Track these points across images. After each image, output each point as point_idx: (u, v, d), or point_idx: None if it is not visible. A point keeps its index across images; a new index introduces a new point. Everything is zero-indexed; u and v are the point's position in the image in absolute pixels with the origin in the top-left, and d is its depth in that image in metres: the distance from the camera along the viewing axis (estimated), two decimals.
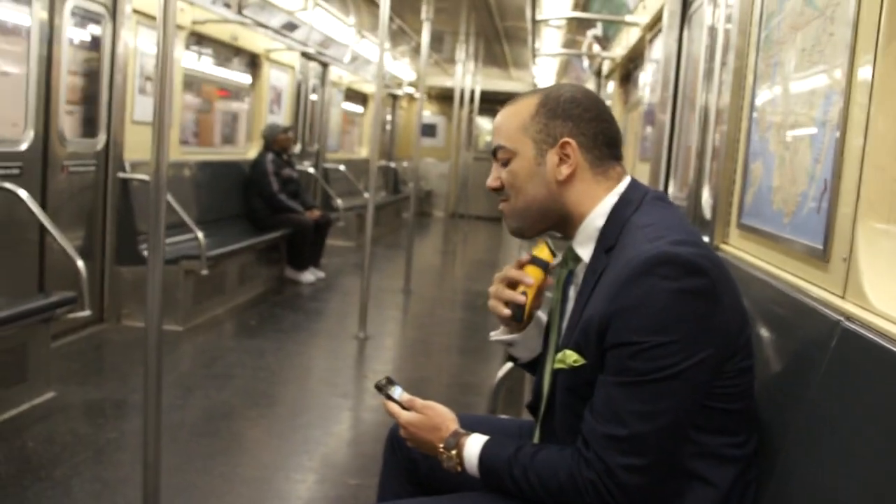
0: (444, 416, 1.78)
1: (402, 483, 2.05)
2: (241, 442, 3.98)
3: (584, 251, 1.68)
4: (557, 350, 1.67)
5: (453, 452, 1.71)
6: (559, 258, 1.79)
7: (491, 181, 1.76)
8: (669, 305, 1.45)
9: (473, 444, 1.70)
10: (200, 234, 5.85)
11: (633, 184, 1.71)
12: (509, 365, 2.79)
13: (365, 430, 4.28)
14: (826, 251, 1.76)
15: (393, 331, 6.93)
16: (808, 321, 1.67)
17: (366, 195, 6.45)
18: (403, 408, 1.81)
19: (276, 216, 7.83)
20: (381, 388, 1.86)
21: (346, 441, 4.18)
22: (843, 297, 1.66)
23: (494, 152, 1.76)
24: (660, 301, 1.45)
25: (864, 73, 1.66)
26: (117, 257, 5.80)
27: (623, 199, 1.67)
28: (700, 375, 1.48)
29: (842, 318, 1.55)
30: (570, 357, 1.60)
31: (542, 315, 1.95)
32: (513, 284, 1.82)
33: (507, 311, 1.81)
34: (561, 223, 1.72)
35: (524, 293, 1.80)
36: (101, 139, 5.70)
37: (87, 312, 4.39)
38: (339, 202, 9.84)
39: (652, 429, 1.47)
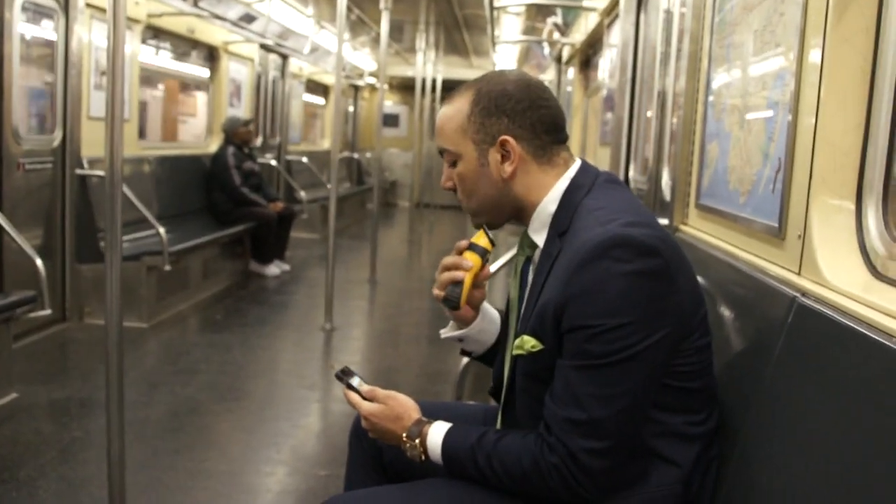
0: (406, 406, 1.78)
1: (367, 471, 2.05)
2: (208, 437, 3.96)
3: (539, 237, 1.69)
4: (516, 336, 1.67)
5: (416, 442, 1.71)
6: (512, 248, 1.81)
7: (444, 181, 1.77)
8: (623, 288, 1.46)
9: (436, 433, 1.70)
10: (162, 230, 5.79)
11: (584, 167, 1.71)
12: None
13: (333, 421, 4.26)
14: (781, 229, 1.78)
15: (359, 321, 6.91)
16: (766, 299, 1.69)
17: (329, 187, 6.41)
18: (364, 398, 1.80)
19: (238, 210, 7.77)
20: (341, 379, 1.86)
21: (315, 433, 4.17)
22: (798, 274, 1.68)
23: (441, 154, 1.76)
24: (614, 284, 1.46)
25: (814, 51, 1.68)
26: (77, 255, 5.73)
27: (574, 183, 1.67)
28: (657, 356, 1.49)
29: (798, 295, 1.56)
30: (528, 343, 1.60)
31: (490, 307, 1.96)
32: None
33: (442, 293, 1.80)
34: (516, 214, 1.73)
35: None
36: (58, 136, 5.61)
37: (47, 311, 4.34)
38: (302, 194, 9.79)
39: (611, 412, 1.47)
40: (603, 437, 1.48)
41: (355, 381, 1.84)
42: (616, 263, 1.46)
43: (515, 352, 1.66)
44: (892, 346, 1.23)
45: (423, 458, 1.72)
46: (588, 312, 1.47)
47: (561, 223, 1.63)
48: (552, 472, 1.51)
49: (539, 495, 1.57)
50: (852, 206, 1.61)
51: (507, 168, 1.67)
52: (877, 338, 1.27)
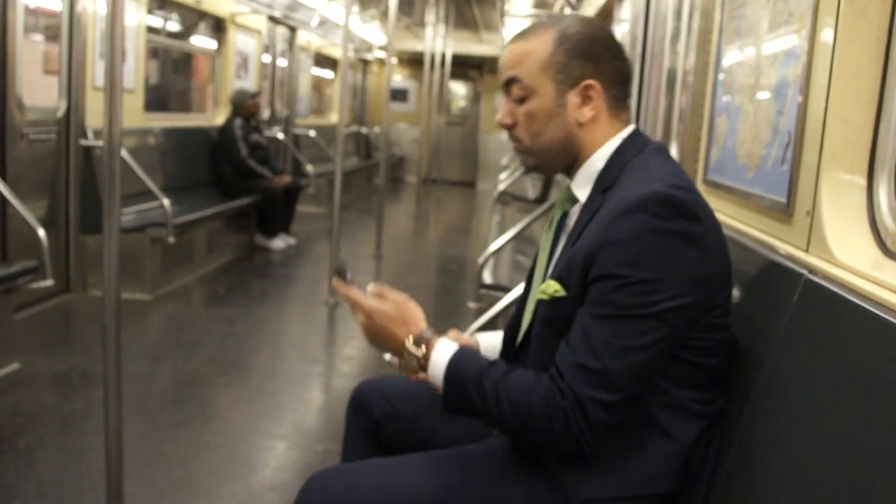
0: (417, 313, 1.70)
1: (365, 446, 2.02)
2: (208, 410, 3.94)
3: (582, 192, 1.66)
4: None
5: (421, 349, 1.64)
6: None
7: (502, 117, 1.70)
8: (658, 244, 1.44)
9: (445, 348, 1.63)
10: (167, 202, 5.76)
11: (637, 132, 1.69)
12: (477, 325, 2.75)
13: (335, 396, 4.25)
14: (790, 205, 1.74)
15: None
16: (773, 276, 1.65)
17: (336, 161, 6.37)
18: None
19: (245, 182, 7.74)
20: (341, 273, 1.75)
21: (316, 407, 4.15)
22: (806, 251, 1.64)
23: (507, 86, 1.68)
24: (649, 238, 1.44)
25: (827, 23, 1.62)
26: (81, 226, 5.71)
27: (625, 143, 1.65)
28: (678, 320, 1.46)
29: (805, 272, 1.53)
30: (552, 287, 1.58)
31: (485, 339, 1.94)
32: None
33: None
34: (571, 164, 1.69)
35: None
36: (62, 106, 5.57)
37: (49, 282, 4.31)
38: (309, 168, 9.75)
39: (624, 365, 1.45)
40: (612, 389, 1.45)
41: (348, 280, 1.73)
42: (655, 219, 1.44)
43: (538, 296, 1.64)
44: None
45: (420, 373, 1.65)
46: (619, 261, 1.45)
47: (606, 180, 1.61)
48: (559, 415, 1.47)
49: (532, 436, 1.53)
50: (863, 183, 1.56)
51: (587, 112, 1.64)
52: (886, 316, 1.23)
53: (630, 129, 1.68)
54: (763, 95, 1.96)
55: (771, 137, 1.88)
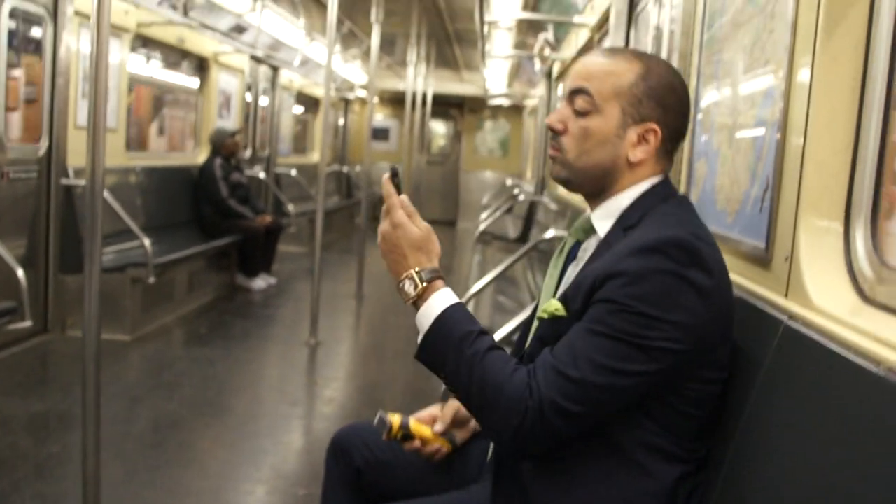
0: (436, 251, 1.67)
1: (345, 492, 2.00)
2: (188, 453, 3.90)
3: (602, 225, 1.66)
4: None
5: (422, 285, 1.61)
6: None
7: (555, 121, 1.66)
8: (667, 285, 1.45)
9: (446, 295, 1.61)
10: (147, 241, 5.74)
11: (667, 180, 1.69)
12: None
13: (315, 439, 4.21)
14: (769, 250, 1.76)
15: (345, 336, 6.87)
16: (753, 322, 1.66)
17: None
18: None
19: (225, 222, 7.72)
20: (395, 175, 1.71)
21: (296, 450, 4.12)
22: (786, 297, 1.66)
23: (573, 95, 1.65)
24: (660, 278, 1.45)
25: (803, 70, 1.65)
26: (61, 266, 5.66)
27: (654, 188, 1.65)
28: (663, 361, 1.45)
29: (785, 318, 1.54)
30: (553, 306, 1.58)
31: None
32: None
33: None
34: (600, 192, 1.68)
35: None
36: (44, 144, 5.56)
37: (27, 323, 4.28)
38: (290, 207, 9.74)
39: (600, 382, 1.45)
40: (579, 401, 1.45)
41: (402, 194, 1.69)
42: (670, 262, 1.45)
43: (539, 315, 1.64)
44: (878, 372, 1.20)
45: (413, 304, 1.62)
46: (624, 292, 1.45)
47: (630, 219, 1.61)
48: (520, 411, 1.46)
49: (486, 418, 1.53)
50: (840, 229, 1.58)
51: (638, 152, 1.62)
52: (864, 364, 1.24)
53: (661, 176, 1.68)
54: (741, 140, 1.99)
55: (749, 183, 1.90)
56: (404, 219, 1.66)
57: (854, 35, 1.55)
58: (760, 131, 1.87)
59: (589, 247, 1.69)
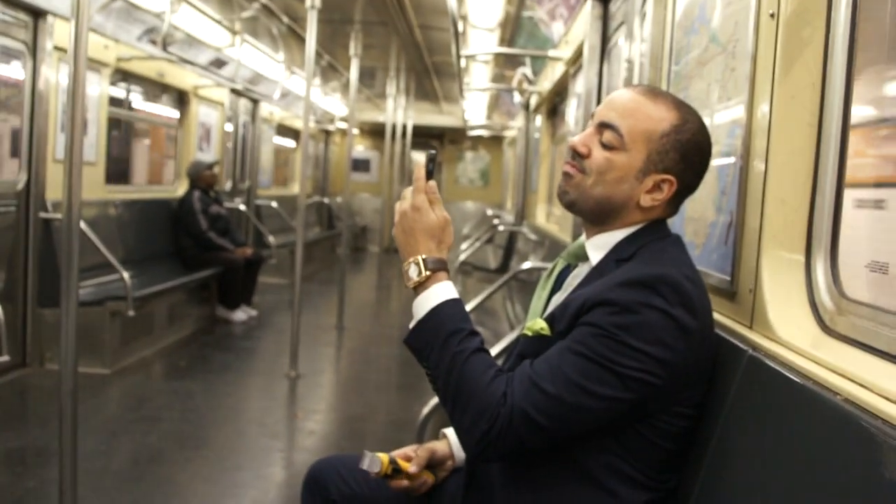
0: (448, 241, 1.71)
1: None
2: (167, 487, 3.88)
3: (595, 255, 1.69)
4: None
5: (427, 273, 1.65)
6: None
7: (581, 145, 1.66)
8: (652, 320, 1.47)
9: (448, 287, 1.65)
10: (126, 275, 5.73)
11: (664, 220, 1.71)
12: (435, 399, 2.77)
13: (296, 472, 4.20)
14: (734, 283, 1.80)
15: (325, 368, 6.85)
16: (720, 353, 1.70)
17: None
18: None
19: (205, 254, 7.72)
20: (431, 161, 1.72)
21: (277, 483, 4.10)
22: (750, 328, 1.69)
23: (603, 126, 1.65)
24: (646, 312, 1.48)
25: (763, 107, 1.70)
26: (39, 299, 5.65)
27: (651, 226, 1.68)
28: (637, 392, 1.48)
29: (749, 349, 1.57)
30: (538, 325, 1.62)
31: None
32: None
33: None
34: (602, 223, 1.70)
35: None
36: (22, 178, 5.56)
37: (5, 357, 4.27)
38: (270, 239, 9.76)
39: (571, 401, 1.48)
40: (548, 415, 1.48)
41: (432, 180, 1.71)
42: (659, 298, 1.48)
43: (523, 332, 1.67)
44: (838, 402, 1.24)
45: (414, 289, 1.66)
46: (610, 320, 1.48)
47: (624, 251, 1.64)
48: (491, 416, 1.49)
49: (457, 416, 1.55)
50: (802, 262, 1.63)
51: (648, 199, 1.64)
52: (823, 394, 1.28)
53: (662, 218, 1.71)
54: (707, 174, 2.03)
55: (715, 215, 1.95)
56: (425, 203, 1.69)
57: (810, 73, 1.60)
58: (725, 166, 1.91)
59: (579, 273, 1.73)
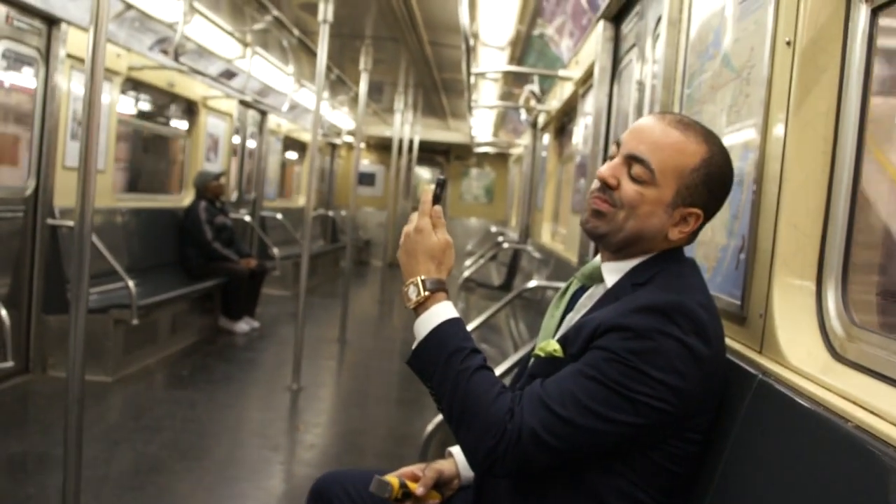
0: (450, 262, 1.73)
1: None
2: (168, 497, 3.87)
3: (611, 277, 1.70)
4: None
5: (425, 294, 1.66)
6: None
7: (609, 175, 1.65)
8: (665, 348, 1.48)
9: (448, 307, 1.67)
10: (131, 283, 5.74)
11: (681, 246, 1.71)
12: (440, 417, 2.78)
13: (297, 485, 4.20)
14: (744, 307, 1.80)
15: (327, 381, 6.85)
16: (730, 377, 1.70)
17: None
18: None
19: (210, 265, 7.74)
20: (440, 186, 1.75)
21: (277, 496, 4.10)
22: (760, 353, 1.70)
23: (632, 160, 1.64)
24: (660, 340, 1.48)
25: (777, 134, 1.71)
26: (44, 306, 5.66)
27: (667, 252, 1.68)
28: (648, 418, 1.49)
29: (759, 374, 1.58)
30: (551, 346, 1.63)
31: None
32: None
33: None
34: (624, 252, 1.69)
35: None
36: (31, 184, 5.58)
37: (9, 363, 4.27)
38: (275, 251, 9.77)
39: (581, 424, 1.48)
40: (557, 436, 1.49)
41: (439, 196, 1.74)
42: (673, 326, 1.49)
43: (535, 353, 1.68)
44: (848, 429, 1.24)
45: (414, 310, 1.67)
46: (624, 345, 1.49)
47: (640, 276, 1.65)
48: (498, 433, 1.50)
49: (463, 434, 1.56)
50: (813, 288, 1.63)
51: (677, 232, 1.65)
52: (833, 420, 1.28)
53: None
54: None
55: (726, 240, 1.95)
56: (428, 226, 1.71)
57: (825, 101, 1.61)
58: (737, 191, 1.92)
59: (594, 294, 1.74)
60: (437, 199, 1.74)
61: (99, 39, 2.46)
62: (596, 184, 1.68)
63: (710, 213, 1.67)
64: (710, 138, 1.66)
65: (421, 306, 1.67)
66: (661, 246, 1.67)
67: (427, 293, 1.66)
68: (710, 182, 1.63)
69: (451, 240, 1.73)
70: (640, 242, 1.66)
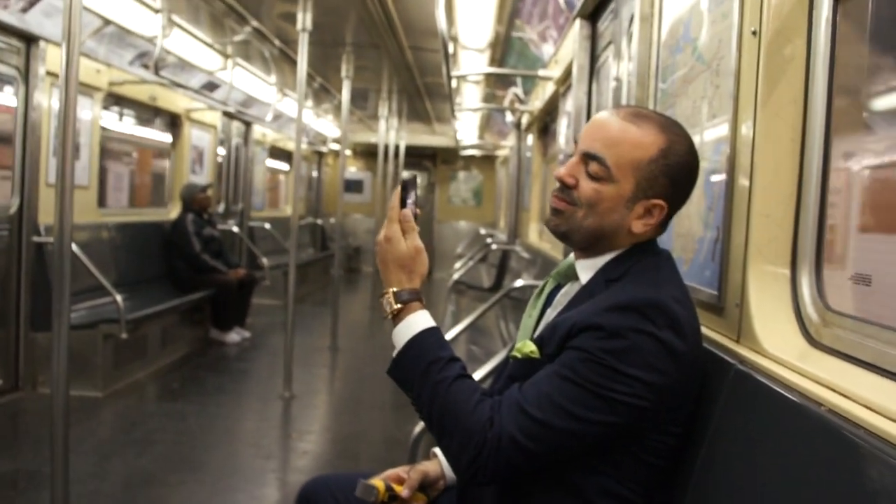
0: (423, 269, 1.71)
1: None
2: None
3: (585, 274, 1.69)
4: None
5: (397, 307, 1.66)
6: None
7: (566, 175, 1.65)
8: (639, 344, 1.48)
9: (423, 318, 1.66)
10: (119, 297, 5.73)
11: (654, 239, 1.71)
12: None
13: (290, 492, 4.19)
14: (721, 297, 1.81)
15: (320, 389, 6.84)
16: (707, 367, 1.71)
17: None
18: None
19: (199, 276, 7.72)
20: (406, 188, 1.72)
21: None
22: (737, 342, 1.71)
23: (588, 158, 1.63)
24: (634, 336, 1.48)
25: (746, 124, 1.72)
26: (32, 323, 5.64)
27: (640, 245, 1.67)
28: (625, 416, 1.49)
29: (736, 363, 1.58)
30: (528, 347, 1.63)
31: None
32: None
33: None
34: (589, 249, 1.69)
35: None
36: (15, 202, 5.57)
37: None
38: (264, 261, 9.76)
39: (560, 426, 1.49)
40: (537, 440, 1.49)
41: (410, 200, 1.72)
42: (646, 322, 1.49)
43: (512, 354, 1.68)
44: (822, 413, 1.25)
45: (392, 320, 1.67)
46: (598, 345, 1.49)
47: (614, 272, 1.64)
48: (478, 441, 1.50)
49: (445, 442, 1.56)
50: (787, 275, 1.64)
51: (640, 225, 1.63)
52: (809, 406, 1.29)
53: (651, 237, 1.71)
54: (694, 191, 2.05)
55: (702, 232, 1.96)
56: (396, 234, 1.70)
57: (793, 89, 1.63)
58: (712, 182, 1.93)
59: (569, 292, 1.73)
60: (404, 202, 1.72)
61: (72, 54, 2.46)
62: (557, 183, 1.68)
63: (675, 202, 1.66)
64: (669, 128, 1.65)
65: (396, 317, 1.66)
66: (627, 240, 1.66)
67: (399, 305, 1.66)
68: (671, 172, 1.61)
69: (421, 245, 1.71)
70: (604, 239, 1.66)
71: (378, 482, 1.85)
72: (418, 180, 1.76)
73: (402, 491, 1.86)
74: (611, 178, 1.61)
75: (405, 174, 1.66)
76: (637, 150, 1.60)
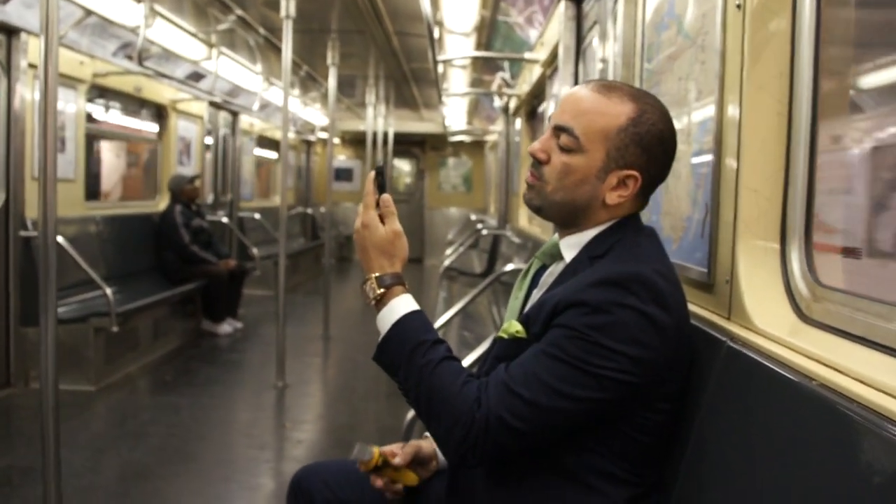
0: (403, 254, 1.70)
1: None
2: (155, 502, 3.86)
3: (569, 253, 1.68)
4: None
5: (380, 292, 1.65)
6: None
7: (538, 151, 1.64)
8: (624, 319, 1.47)
9: (406, 302, 1.65)
10: (109, 291, 5.70)
11: (636, 214, 1.69)
12: None
13: (285, 482, 4.12)
14: (710, 274, 1.80)
15: (313, 378, 6.83)
16: (699, 344, 1.70)
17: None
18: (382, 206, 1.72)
19: (189, 268, 7.69)
20: (380, 174, 1.72)
21: (266, 494, 4.08)
22: (728, 319, 1.70)
23: (558, 130, 1.62)
24: (618, 311, 1.47)
25: (732, 99, 1.71)
26: (22, 318, 5.61)
27: (623, 221, 1.65)
28: (614, 392, 1.48)
29: (727, 340, 1.58)
30: (514, 327, 1.62)
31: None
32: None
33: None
34: (571, 224, 1.68)
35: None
36: (0, 197, 5.53)
37: None
38: (254, 251, 9.73)
39: (548, 404, 1.48)
40: (525, 420, 1.48)
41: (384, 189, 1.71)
42: (631, 296, 1.48)
43: (499, 335, 1.67)
44: (814, 388, 1.24)
45: (374, 306, 1.66)
46: (583, 321, 1.48)
47: (597, 248, 1.63)
48: (466, 423, 1.50)
49: (432, 425, 1.56)
50: (777, 251, 1.63)
51: (615, 196, 1.61)
52: (800, 381, 1.28)
53: (633, 211, 1.69)
54: (682, 168, 2.04)
55: (691, 209, 1.95)
56: (374, 220, 1.69)
57: (778, 63, 1.61)
58: (698, 159, 1.92)
59: (554, 271, 1.72)
60: (380, 188, 1.71)
61: (51, 45, 2.44)
62: (532, 160, 1.67)
63: (651, 173, 1.63)
64: (640, 97, 1.63)
65: (379, 303, 1.66)
66: (605, 214, 1.65)
67: (382, 290, 1.65)
68: (642, 140, 1.59)
69: (400, 229, 1.70)
70: (578, 212, 1.65)
71: (374, 448, 1.85)
72: (391, 170, 1.74)
73: (395, 459, 1.86)
74: (581, 149, 1.60)
75: (379, 163, 1.67)
76: (605, 118, 1.59)
